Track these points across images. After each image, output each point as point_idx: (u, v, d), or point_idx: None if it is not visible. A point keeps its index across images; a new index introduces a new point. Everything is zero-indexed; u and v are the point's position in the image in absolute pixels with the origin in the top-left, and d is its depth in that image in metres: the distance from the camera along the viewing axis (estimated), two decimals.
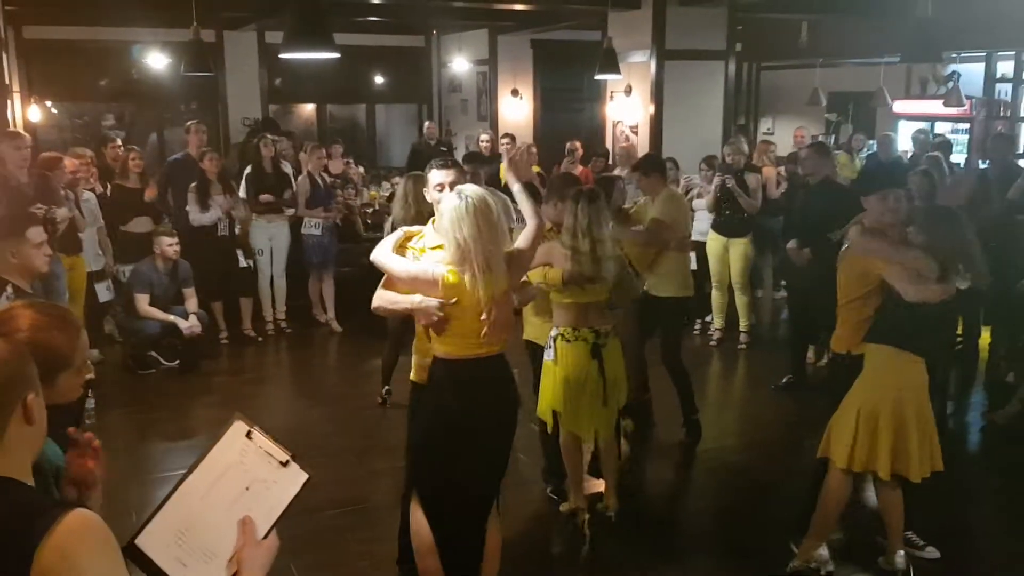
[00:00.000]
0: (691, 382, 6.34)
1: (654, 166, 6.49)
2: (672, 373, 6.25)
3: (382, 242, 3.87)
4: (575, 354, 4.76)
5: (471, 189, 3.57)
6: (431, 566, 3.85)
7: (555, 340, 4.80)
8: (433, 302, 3.55)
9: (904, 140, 11.71)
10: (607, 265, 4.68)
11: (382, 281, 3.82)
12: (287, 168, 9.15)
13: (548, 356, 4.86)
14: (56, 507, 1.71)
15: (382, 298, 3.81)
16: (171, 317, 7.58)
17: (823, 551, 4.47)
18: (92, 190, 7.89)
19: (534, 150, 9.73)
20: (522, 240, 3.81)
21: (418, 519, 3.86)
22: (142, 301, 7.53)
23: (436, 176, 3.91)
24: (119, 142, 9.07)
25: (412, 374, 4.16)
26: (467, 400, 3.67)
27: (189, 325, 7.59)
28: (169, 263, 7.66)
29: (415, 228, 3.94)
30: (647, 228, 6.07)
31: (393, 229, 5.50)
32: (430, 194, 3.93)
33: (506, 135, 11.09)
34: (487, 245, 3.47)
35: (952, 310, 4.12)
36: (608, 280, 4.74)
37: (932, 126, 13.33)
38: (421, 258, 3.73)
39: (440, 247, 3.65)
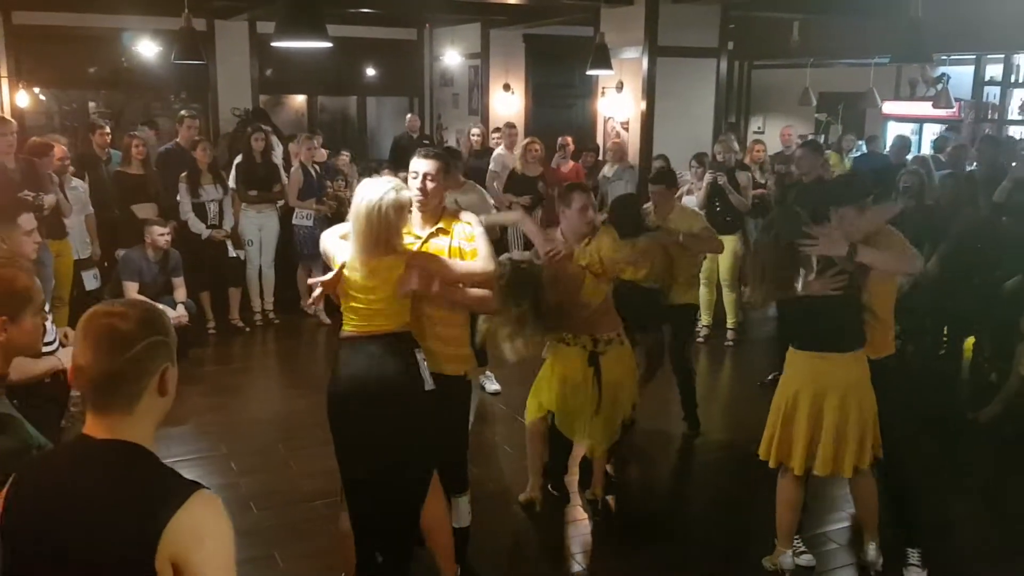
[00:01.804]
0: (694, 379, 6.44)
1: (675, 182, 6.53)
2: (680, 373, 6.32)
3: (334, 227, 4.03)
4: (571, 358, 4.77)
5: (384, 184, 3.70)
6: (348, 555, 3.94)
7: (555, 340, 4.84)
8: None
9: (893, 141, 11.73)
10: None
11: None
12: (277, 160, 9.14)
13: (544, 352, 4.91)
14: (190, 484, 1.83)
15: None
16: (160, 306, 7.54)
17: (786, 558, 4.48)
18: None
19: (537, 146, 9.61)
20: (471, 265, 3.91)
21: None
22: (131, 289, 7.51)
23: (414, 163, 3.96)
24: (108, 129, 9.04)
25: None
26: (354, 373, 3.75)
27: (177, 315, 7.57)
28: (160, 252, 7.64)
29: None
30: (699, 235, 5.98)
31: None
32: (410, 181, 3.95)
33: (508, 124, 10.95)
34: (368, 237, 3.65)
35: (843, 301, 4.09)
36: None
37: (920, 128, 13.40)
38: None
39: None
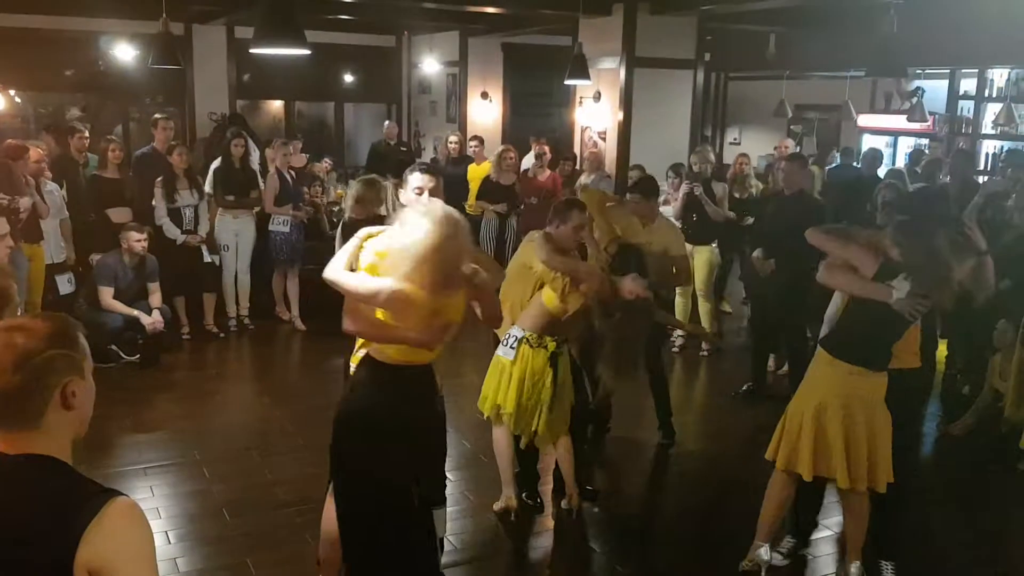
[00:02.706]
0: (668, 387, 6.44)
1: (655, 191, 6.49)
2: (653, 377, 6.31)
3: (336, 256, 3.66)
4: (536, 360, 4.83)
5: (443, 209, 3.43)
6: (331, 557, 3.89)
7: (520, 342, 4.83)
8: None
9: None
10: None
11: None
12: (255, 166, 9.11)
13: (508, 355, 4.88)
14: (104, 492, 1.79)
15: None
16: (135, 312, 7.54)
17: (762, 551, 4.53)
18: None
19: (512, 154, 9.73)
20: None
21: (329, 507, 3.91)
22: (106, 294, 7.48)
23: (417, 179, 3.95)
24: (86, 133, 8.98)
25: None
26: (396, 402, 3.55)
27: (152, 320, 7.55)
28: (136, 258, 7.61)
29: (375, 229, 3.73)
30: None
31: (344, 230, 5.49)
32: (406, 195, 3.95)
33: (475, 137, 11.12)
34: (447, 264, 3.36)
35: (895, 322, 4.12)
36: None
37: (895, 140, 13.53)
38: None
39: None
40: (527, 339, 4.83)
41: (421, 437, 3.67)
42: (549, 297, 4.78)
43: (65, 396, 1.86)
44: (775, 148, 11.09)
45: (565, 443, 5.08)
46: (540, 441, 5.02)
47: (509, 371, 4.86)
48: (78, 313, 7.44)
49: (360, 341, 3.85)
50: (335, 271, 3.56)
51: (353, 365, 3.90)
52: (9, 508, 1.77)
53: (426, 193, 3.91)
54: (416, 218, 3.35)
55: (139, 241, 7.57)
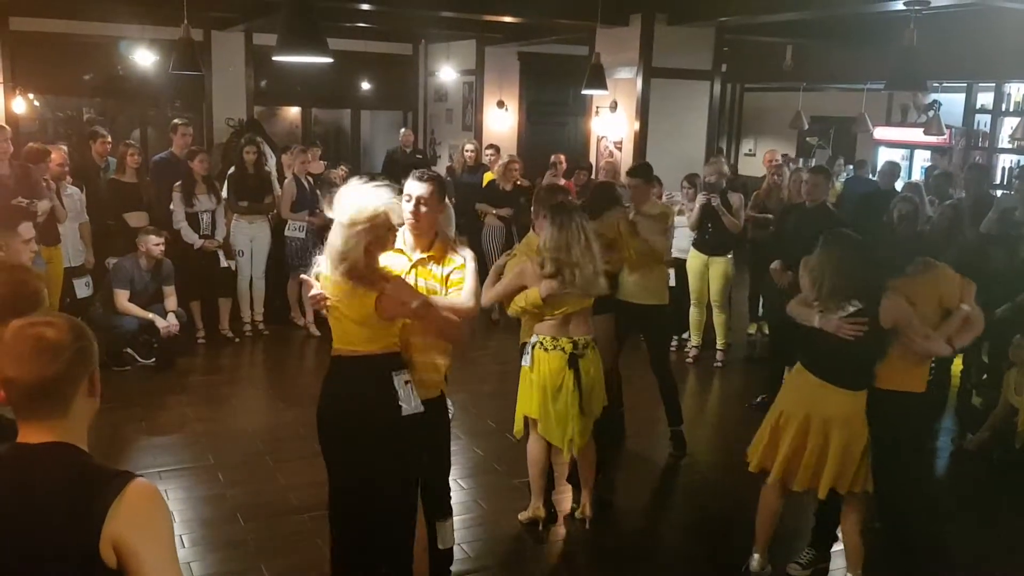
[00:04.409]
0: (678, 393, 6.42)
1: (651, 175, 6.60)
2: (661, 381, 6.31)
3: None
4: (552, 363, 4.79)
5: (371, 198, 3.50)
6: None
7: (533, 347, 4.83)
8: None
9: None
10: (598, 281, 4.75)
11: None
12: (271, 169, 9.14)
13: (525, 362, 4.89)
14: (122, 474, 1.94)
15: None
16: (150, 315, 7.57)
17: (753, 561, 4.62)
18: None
19: (517, 165, 9.78)
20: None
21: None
22: (121, 297, 7.51)
23: (409, 186, 3.85)
24: (109, 138, 9.04)
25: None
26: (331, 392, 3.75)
27: (166, 324, 7.58)
28: (152, 261, 7.65)
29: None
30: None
31: None
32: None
33: (491, 146, 11.15)
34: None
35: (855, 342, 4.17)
36: (600, 292, 4.83)
37: (911, 153, 13.49)
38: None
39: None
40: (540, 343, 4.82)
41: (368, 429, 3.61)
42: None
43: (93, 383, 2.03)
44: (767, 160, 10.95)
45: (589, 450, 5.07)
46: (553, 439, 4.96)
47: (529, 378, 4.86)
48: (92, 315, 7.52)
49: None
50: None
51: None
52: (40, 492, 1.89)
53: (415, 201, 3.79)
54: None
55: (157, 245, 7.61)
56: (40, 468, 1.92)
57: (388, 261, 3.71)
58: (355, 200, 3.48)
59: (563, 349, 4.78)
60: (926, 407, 4.42)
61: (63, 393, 1.96)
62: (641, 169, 6.60)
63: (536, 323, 4.86)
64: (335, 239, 3.50)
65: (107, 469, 1.95)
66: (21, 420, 1.97)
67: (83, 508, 1.86)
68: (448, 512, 4.35)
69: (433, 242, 3.93)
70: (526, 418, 4.95)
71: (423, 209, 3.83)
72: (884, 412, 4.27)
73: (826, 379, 4.25)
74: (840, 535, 4.59)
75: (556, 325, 4.80)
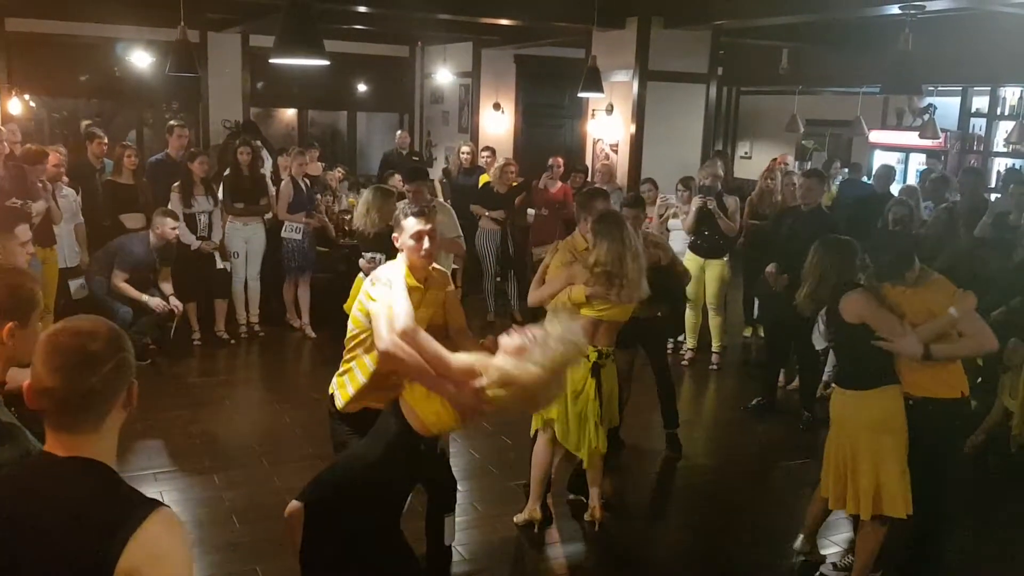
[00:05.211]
0: (676, 396, 6.46)
1: (642, 201, 6.56)
2: (660, 383, 6.35)
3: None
4: (576, 370, 4.76)
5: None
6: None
7: None
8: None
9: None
10: (642, 285, 4.79)
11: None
12: (266, 171, 9.14)
13: None
14: (148, 502, 1.85)
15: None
16: (143, 296, 7.54)
17: (798, 542, 4.80)
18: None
19: (513, 167, 9.77)
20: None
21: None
22: (119, 278, 7.50)
23: (415, 224, 3.71)
24: (105, 139, 9.04)
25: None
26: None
27: (171, 305, 7.65)
28: (162, 241, 7.66)
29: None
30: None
31: (356, 239, 5.56)
32: (403, 240, 3.75)
33: (487, 148, 11.15)
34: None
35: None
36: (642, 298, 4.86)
37: (907, 157, 13.51)
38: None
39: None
40: None
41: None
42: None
43: (131, 396, 1.96)
44: (777, 162, 11.01)
45: (595, 456, 5.06)
46: (570, 446, 4.98)
47: None
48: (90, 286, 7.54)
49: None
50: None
51: None
52: (61, 507, 1.82)
53: (426, 239, 3.69)
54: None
55: (174, 229, 7.66)
56: (66, 485, 1.84)
57: (412, 298, 3.61)
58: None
59: (587, 358, 4.77)
60: (951, 415, 4.34)
61: (100, 407, 1.89)
62: (634, 200, 6.64)
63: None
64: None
65: (133, 495, 1.87)
66: (51, 429, 1.89)
67: (104, 534, 1.77)
68: (454, 507, 4.43)
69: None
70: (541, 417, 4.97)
71: (433, 241, 3.75)
72: (913, 420, 4.24)
73: (837, 382, 4.41)
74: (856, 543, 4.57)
75: (586, 333, 4.79)
